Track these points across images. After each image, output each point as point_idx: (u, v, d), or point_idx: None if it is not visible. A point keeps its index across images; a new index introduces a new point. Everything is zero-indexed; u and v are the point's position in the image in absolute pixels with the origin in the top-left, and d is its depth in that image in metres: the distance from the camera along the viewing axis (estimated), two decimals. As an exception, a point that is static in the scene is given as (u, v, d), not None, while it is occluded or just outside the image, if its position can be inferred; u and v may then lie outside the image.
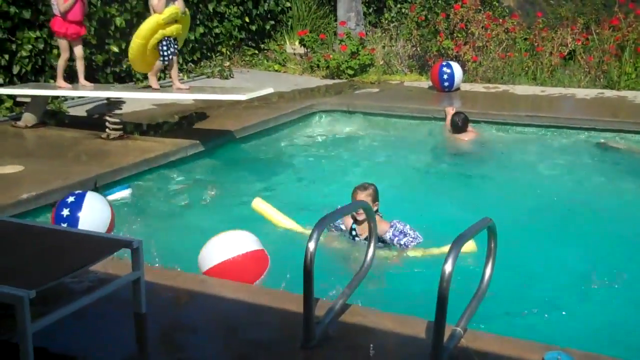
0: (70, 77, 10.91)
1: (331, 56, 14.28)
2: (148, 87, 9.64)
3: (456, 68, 12.45)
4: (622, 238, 6.59)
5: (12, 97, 10.00)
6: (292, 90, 12.69)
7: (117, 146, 8.67)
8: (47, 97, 9.84)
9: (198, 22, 14.04)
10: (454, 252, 3.49)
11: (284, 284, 5.07)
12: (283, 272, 5.26)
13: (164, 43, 8.91)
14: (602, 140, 9.78)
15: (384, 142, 10.33)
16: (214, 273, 5.06)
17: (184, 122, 10.12)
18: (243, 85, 11.71)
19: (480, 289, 4.08)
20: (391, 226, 6.03)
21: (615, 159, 9.32)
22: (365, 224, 5.98)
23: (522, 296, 5.43)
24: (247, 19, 15.56)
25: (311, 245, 3.71)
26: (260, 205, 6.74)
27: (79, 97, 10.80)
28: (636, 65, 12.70)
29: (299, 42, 15.65)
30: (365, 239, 5.92)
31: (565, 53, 13.64)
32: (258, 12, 15.87)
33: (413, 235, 6.02)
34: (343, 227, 6.28)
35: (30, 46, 10.31)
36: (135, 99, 10.22)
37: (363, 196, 5.92)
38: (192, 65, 13.91)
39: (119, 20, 11.92)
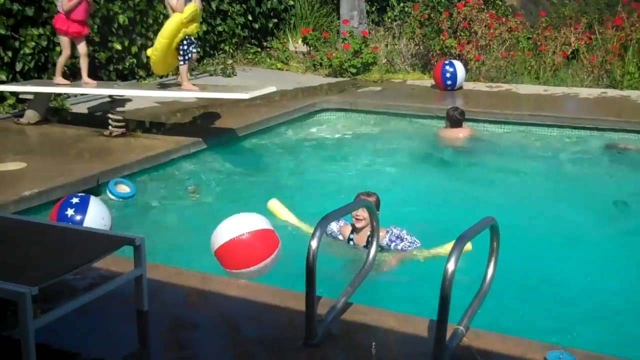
0: (73, 74, 10.94)
1: (334, 54, 14.27)
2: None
3: (459, 67, 12.45)
4: (626, 237, 6.60)
5: (15, 94, 10.01)
6: (295, 89, 12.69)
7: (119, 144, 8.67)
8: (49, 94, 9.84)
9: (201, 20, 14.00)
10: (457, 250, 3.49)
11: (286, 282, 5.08)
12: (286, 270, 5.27)
13: (185, 43, 8.84)
14: (620, 145, 9.69)
15: (386, 140, 10.32)
16: (223, 250, 5.12)
17: (186, 120, 10.11)
18: (246, 84, 11.70)
19: (482, 288, 4.08)
20: (387, 232, 5.98)
21: (620, 159, 9.30)
22: (363, 233, 5.95)
23: (524, 295, 5.43)
24: (250, 17, 15.56)
25: (313, 244, 3.72)
26: (275, 206, 6.73)
27: (82, 95, 10.80)
28: (639, 65, 12.69)
29: (302, 41, 15.64)
30: (365, 246, 5.90)
31: (569, 52, 13.64)
32: (261, 10, 15.86)
33: (410, 240, 5.96)
34: (340, 237, 6.21)
35: (33, 43, 10.30)
36: (138, 97, 10.22)
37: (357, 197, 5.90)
38: (195, 64, 13.90)
39: (121, 18, 11.92)
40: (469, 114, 10.68)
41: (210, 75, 13.56)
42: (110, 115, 9.07)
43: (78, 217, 5.95)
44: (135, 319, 4.24)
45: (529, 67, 13.62)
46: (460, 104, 11.26)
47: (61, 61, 9.35)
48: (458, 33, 13.94)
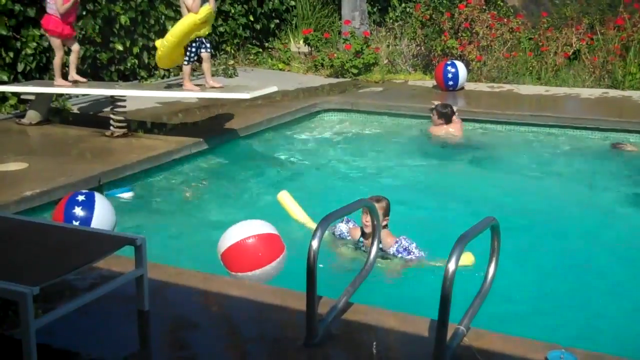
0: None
1: (335, 55, 14.28)
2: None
3: (460, 67, 12.46)
4: (627, 237, 6.59)
5: (16, 94, 10.02)
6: (296, 89, 12.70)
7: (121, 144, 8.68)
8: (51, 94, 9.84)
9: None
10: (458, 250, 3.49)
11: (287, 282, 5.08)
12: (287, 270, 5.27)
13: (193, 45, 8.80)
14: (627, 147, 9.65)
15: (387, 140, 10.32)
16: (228, 254, 5.20)
17: (188, 120, 10.12)
18: (247, 84, 11.69)
19: (483, 288, 4.08)
20: (396, 242, 5.90)
21: (623, 159, 9.30)
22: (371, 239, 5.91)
23: (526, 295, 5.43)
24: (251, 18, 15.57)
25: (314, 244, 3.72)
26: (285, 199, 6.76)
27: (83, 95, 10.81)
28: (641, 65, 12.70)
29: (304, 41, 15.65)
30: None
31: (570, 53, 13.63)
32: (262, 11, 15.87)
33: (417, 255, 5.86)
34: (349, 238, 6.19)
35: (34, 44, 10.30)
36: (140, 97, 10.22)
37: (375, 207, 5.83)
38: (197, 64, 13.89)
39: (123, 19, 11.92)
40: (470, 114, 10.73)
41: (212, 75, 13.52)
42: (111, 116, 9.08)
43: (86, 215, 5.93)
44: (136, 319, 4.24)
45: (531, 68, 13.62)
46: (462, 105, 11.27)
47: (58, 62, 9.31)
48: (459, 34, 13.94)
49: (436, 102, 10.42)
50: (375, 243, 4.42)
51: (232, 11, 14.98)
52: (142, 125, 9.69)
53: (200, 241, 6.03)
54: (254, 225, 5.39)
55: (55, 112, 10.14)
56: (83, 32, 11.19)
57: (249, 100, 9.99)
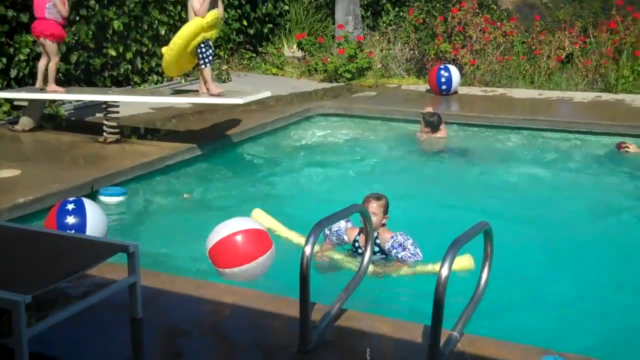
0: (68, 81, 10.95)
1: (329, 59, 14.29)
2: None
3: (454, 71, 12.47)
4: (621, 242, 6.60)
5: (9, 100, 10.00)
6: (290, 94, 12.70)
7: (114, 150, 8.67)
8: (44, 100, 9.83)
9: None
10: (450, 255, 3.49)
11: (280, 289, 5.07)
12: (280, 277, 5.27)
13: (203, 46, 8.74)
14: (623, 142, 9.63)
15: (381, 145, 10.32)
16: (216, 250, 5.28)
17: (181, 126, 10.10)
18: (241, 89, 11.69)
19: (476, 293, 4.08)
20: (392, 237, 5.87)
21: (618, 162, 9.32)
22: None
23: (518, 300, 5.42)
24: (245, 22, 15.58)
25: (307, 249, 3.72)
26: (259, 216, 6.64)
27: (76, 101, 10.80)
28: (634, 69, 12.74)
29: (297, 46, 15.66)
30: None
31: (563, 56, 13.67)
32: (256, 16, 15.88)
33: (412, 252, 5.83)
34: (346, 238, 6.14)
35: (27, 50, 10.28)
36: (133, 103, 10.21)
37: (375, 205, 5.81)
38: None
39: (116, 24, 11.91)
40: (464, 118, 10.77)
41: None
42: (105, 122, 9.06)
43: (79, 223, 5.93)
44: (129, 326, 4.23)
45: (524, 71, 13.64)
46: (456, 109, 11.31)
47: (54, 68, 9.31)
48: (453, 37, 13.97)
49: (428, 109, 10.45)
50: (369, 249, 4.42)
51: (226, 16, 14.97)
52: (135, 131, 9.68)
53: (193, 247, 6.01)
54: (240, 221, 5.49)
55: (48, 118, 10.13)
56: (76, 38, 11.17)
57: (243, 106, 9.99)
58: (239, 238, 5.31)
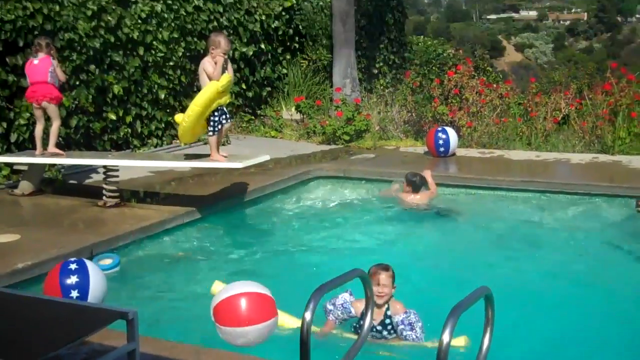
0: (68, 144, 11.02)
1: (327, 122, 14.40)
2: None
3: (451, 133, 12.56)
4: (625, 302, 6.57)
5: (9, 165, 10.05)
6: (289, 156, 12.77)
7: (113, 214, 8.68)
8: (44, 165, 9.87)
9: (195, 89, 14.19)
10: (451, 322, 3.46)
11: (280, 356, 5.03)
12: (279, 342, 5.23)
13: (216, 114, 8.78)
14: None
15: (380, 207, 10.34)
16: (221, 307, 5.18)
17: (180, 190, 10.13)
18: (240, 152, 11.76)
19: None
20: (406, 313, 5.77)
21: (618, 224, 9.32)
22: (383, 309, 5.81)
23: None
24: (243, 86, 15.75)
25: (307, 315, 3.68)
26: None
27: (76, 165, 10.85)
28: (630, 130, 12.83)
29: (295, 109, 15.79)
30: (380, 324, 5.81)
31: (559, 118, 13.78)
32: (255, 79, 16.07)
33: (418, 335, 5.73)
34: (353, 311, 5.95)
35: (27, 114, 10.36)
36: (132, 167, 10.26)
37: (384, 276, 5.73)
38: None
39: (116, 88, 12.06)
40: (462, 180, 10.81)
41: (205, 143, 13.61)
42: (104, 186, 9.09)
43: (82, 283, 5.91)
44: (128, 394, 4.18)
45: (521, 133, 13.73)
46: (453, 171, 11.36)
47: (56, 130, 9.42)
48: (449, 100, 14.10)
49: (427, 171, 10.52)
50: (369, 315, 4.39)
51: (237, 78, 15.15)
52: (134, 194, 9.70)
53: (192, 313, 5.99)
54: (249, 284, 5.44)
55: (48, 182, 10.16)
56: (76, 102, 11.29)
57: (242, 168, 10.03)
58: (247, 299, 5.25)
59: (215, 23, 14.56)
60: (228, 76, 8.67)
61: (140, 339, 4.17)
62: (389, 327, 5.82)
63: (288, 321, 5.97)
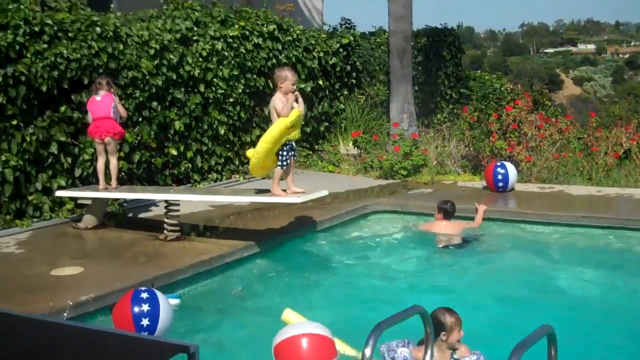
0: (130, 179, 11.24)
1: (384, 157, 14.41)
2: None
3: (510, 168, 12.45)
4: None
5: (73, 199, 10.28)
6: (346, 191, 12.80)
7: (174, 247, 8.81)
8: (107, 199, 10.09)
9: (254, 125, 14.39)
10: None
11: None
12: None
13: (285, 148, 8.91)
14: None
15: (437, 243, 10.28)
16: (282, 347, 5.29)
17: (239, 224, 10.24)
18: (299, 187, 11.84)
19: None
20: (474, 354, 5.62)
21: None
22: (446, 353, 5.58)
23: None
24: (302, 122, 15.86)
25: (367, 352, 3.70)
26: (290, 317, 6.29)
27: (138, 200, 11.06)
28: (694, 164, 12.59)
29: (353, 143, 15.86)
30: None
31: (621, 152, 13.57)
32: (312, 115, 16.19)
33: None
34: None
35: (92, 150, 10.60)
36: (192, 201, 10.42)
37: (453, 319, 5.48)
38: (248, 167, 14.15)
39: (178, 124, 12.29)
40: (522, 215, 10.71)
41: (263, 178, 13.75)
42: (165, 220, 9.24)
43: (153, 312, 6.07)
44: None
45: (581, 168, 13.55)
46: (513, 206, 11.26)
47: (117, 166, 9.66)
48: (508, 134, 14.01)
49: (482, 205, 10.48)
50: (429, 353, 4.38)
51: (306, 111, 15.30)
52: (194, 228, 9.83)
53: (253, 348, 6.02)
54: (312, 325, 5.51)
55: (110, 216, 10.37)
56: (139, 138, 11.53)
57: (300, 203, 10.10)
58: (305, 340, 5.31)
59: (274, 60, 14.74)
60: (297, 112, 8.75)
61: (201, 373, 4.22)
62: None
63: (349, 351, 5.97)
